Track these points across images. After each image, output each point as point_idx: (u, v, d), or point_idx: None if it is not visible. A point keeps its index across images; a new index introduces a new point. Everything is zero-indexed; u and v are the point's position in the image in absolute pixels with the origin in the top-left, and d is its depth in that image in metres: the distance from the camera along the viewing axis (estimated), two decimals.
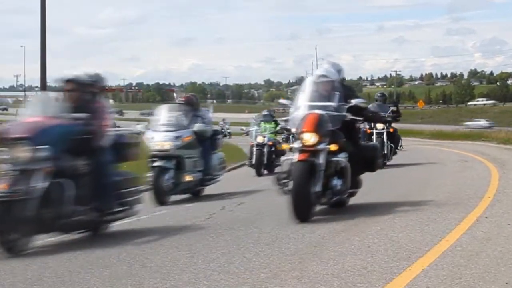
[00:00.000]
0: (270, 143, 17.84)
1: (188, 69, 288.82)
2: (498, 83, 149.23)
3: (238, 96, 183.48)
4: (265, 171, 17.56)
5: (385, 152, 16.22)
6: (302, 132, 7.98)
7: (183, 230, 7.81)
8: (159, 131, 11.60)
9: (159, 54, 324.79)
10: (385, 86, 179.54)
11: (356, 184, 8.84)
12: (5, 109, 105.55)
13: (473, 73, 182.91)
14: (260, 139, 17.88)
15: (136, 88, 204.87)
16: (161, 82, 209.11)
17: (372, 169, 9.13)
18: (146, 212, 9.54)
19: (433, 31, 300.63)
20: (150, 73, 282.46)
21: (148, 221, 8.88)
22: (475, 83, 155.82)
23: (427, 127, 42.19)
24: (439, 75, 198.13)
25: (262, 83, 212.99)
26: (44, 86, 24.93)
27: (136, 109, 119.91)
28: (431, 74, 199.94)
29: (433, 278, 4.97)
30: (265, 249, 6.33)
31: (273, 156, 17.74)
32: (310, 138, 7.90)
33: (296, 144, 8.07)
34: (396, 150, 17.62)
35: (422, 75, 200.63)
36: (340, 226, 7.45)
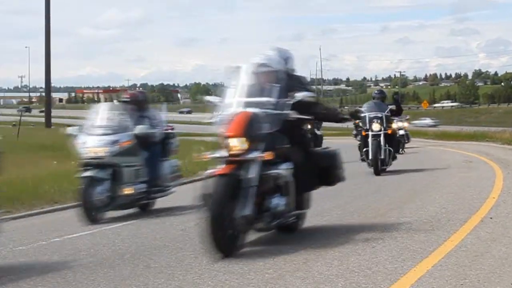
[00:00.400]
0: None
1: (192, 70, 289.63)
2: (502, 84, 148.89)
3: None
4: None
5: (382, 157, 14.51)
6: (227, 136, 6.27)
7: (188, 231, 7.81)
8: (93, 135, 9.69)
9: (163, 55, 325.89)
10: (389, 87, 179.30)
11: (301, 204, 6.99)
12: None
13: (478, 74, 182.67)
14: None
15: (140, 89, 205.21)
16: (165, 83, 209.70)
17: (329, 182, 7.39)
18: (149, 214, 9.56)
19: (437, 32, 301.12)
20: (154, 74, 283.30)
21: (152, 222, 8.89)
22: (480, 84, 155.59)
23: (431, 128, 42.11)
24: (443, 76, 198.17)
25: None
26: (48, 87, 24.96)
27: None
28: (435, 74, 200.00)
29: (438, 279, 4.96)
30: (270, 249, 6.32)
31: None
32: (236, 144, 6.19)
33: (219, 153, 6.34)
34: (396, 154, 15.73)
35: (426, 75, 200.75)
36: (344, 227, 7.44)
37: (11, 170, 14.19)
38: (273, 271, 5.43)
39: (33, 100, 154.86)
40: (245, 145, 6.18)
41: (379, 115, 14.76)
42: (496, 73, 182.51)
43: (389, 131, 14.90)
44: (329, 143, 26.68)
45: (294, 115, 6.71)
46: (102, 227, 8.49)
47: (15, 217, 9.84)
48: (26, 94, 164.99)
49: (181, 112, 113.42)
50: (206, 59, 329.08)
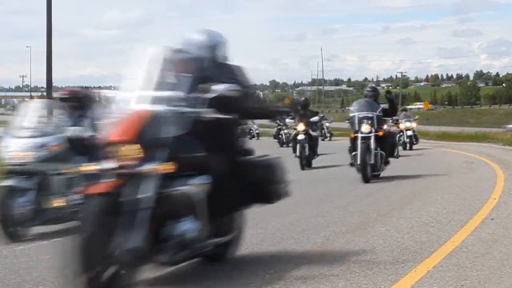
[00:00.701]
0: None
1: None
2: (504, 85, 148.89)
3: None
4: None
5: (372, 162, 12.78)
6: (111, 142, 4.75)
7: None
8: (18, 138, 8.16)
9: None
10: (390, 87, 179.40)
11: (226, 228, 5.64)
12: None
13: (479, 75, 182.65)
14: None
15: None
16: None
17: (264, 199, 5.91)
18: None
19: (439, 32, 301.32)
20: None
21: None
22: (481, 85, 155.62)
23: (432, 128, 42.04)
24: (444, 76, 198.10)
25: (268, 84, 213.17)
26: (50, 87, 24.94)
27: None
28: (436, 75, 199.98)
29: (439, 280, 4.96)
30: (270, 250, 6.32)
31: None
32: (127, 152, 4.66)
33: (101, 165, 4.80)
34: (389, 159, 13.75)
35: (427, 76, 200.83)
36: (345, 228, 7.44)
37: None
38: (273, 271, 5.43)
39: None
40: (138, 153, 4.66)
41: (370, 115, 13.19)
42: (497, 74, 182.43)
43: (380, 133, 13.17)
44: (338, 144, 26.62)
45: (210, 113, 5.15)
46: None
47: None
48: (28, 94, 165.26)
49: None
50: None
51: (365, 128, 13.01)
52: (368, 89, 14.95)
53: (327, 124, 38.87)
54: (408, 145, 25.04)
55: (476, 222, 7.49)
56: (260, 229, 7.63)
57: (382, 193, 10.78)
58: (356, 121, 13.22)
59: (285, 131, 33.39)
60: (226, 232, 5.63)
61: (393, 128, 20.35)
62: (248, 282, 5.13)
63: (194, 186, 4.90)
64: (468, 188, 11.00)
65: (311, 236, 6.94)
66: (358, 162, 12.75)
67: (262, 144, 27.81)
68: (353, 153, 13.09)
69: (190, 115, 5.03)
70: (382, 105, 13.76)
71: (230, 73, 5.63)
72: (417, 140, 26.10)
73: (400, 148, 22.70)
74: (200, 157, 5.06)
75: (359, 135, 13.02)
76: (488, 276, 5.07)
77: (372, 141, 12.88)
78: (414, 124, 25.99)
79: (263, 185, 5.77)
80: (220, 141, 5.33)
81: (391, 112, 14.10)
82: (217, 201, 5.05)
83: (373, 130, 13.00)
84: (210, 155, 5.12)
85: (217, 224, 5.27)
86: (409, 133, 25.34)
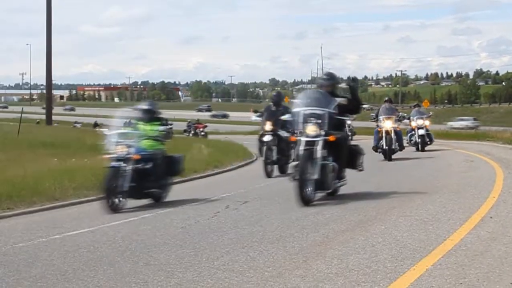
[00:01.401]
0: (135, 157, 10.08)
1: (194, 68, 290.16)
2: (503, 83, 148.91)
3: (243, 95, 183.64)
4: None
5: (316, 177, 9.30)
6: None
7: (188, 229, 7.82)
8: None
9: (164, 53, 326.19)
10: (390, 86, 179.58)
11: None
12: (6, 107, 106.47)
13: (479, 73, 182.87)
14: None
15: (142, 86, 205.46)
16: (166, 81, 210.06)
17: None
18: (149, 211, 9.59)
19: (439, 31, 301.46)
20: (156, 71, 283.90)
21: (153, 219, 8.88)
22: (481, 83, 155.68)
23: (432, 127, 42.05)
24: (444, 75, 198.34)
25: (268, 82, 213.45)
26: (49, 84, 24.94)
27: None
28: (436, 74, 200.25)
29: (437, 278, 4.97)
30: (269, 247, 6.33)
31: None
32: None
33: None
34: (345, 174, 10.19)
35: (427, 74, 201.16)
36: (344, 226, 7.45)
37: (12, 167, 14.20)
38: (272, 269, 5.44)
39: (34, 97, 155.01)
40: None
41: (319, 111, 9.70)
42: (497, 73, 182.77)
43: (331, 138, 9.54)
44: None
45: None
46: (102, 225, 8.49)
47: (16, 214, 9.83)
48: (27, 92, 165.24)
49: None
50: (207, 57, 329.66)
51: (311, 129, 9.57)
52: (324, 76, 11.10)
53: (349, 122, 36.38)
54: (420, 145, 21.97)
55: (475, 221, 7.49)
56: (260, 226, 7.64)
57: (381, 191, 10.78)
58: (301, 120, 9.78)
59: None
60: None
61: (399, 126, 19.91)
62: (247, 279, 5.14)
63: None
64: (468, 187, 11.00)
65: (310, 234, 6.95)
66: (297, 176, 9.34)
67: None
68: (295, 162, 9.71)
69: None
70: (340, 99, 10.03)
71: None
72: (431, 140, 22.59)
73: (413, 148, 21.87)
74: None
75: (302, 139, 9.58)
76: (487, 274, 5.08)
77: (318, 148, 9.43)
78: (427, 122, 22.69)
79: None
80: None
81: (351, 108, 10.40)
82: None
83: (322, 133, 9.56)
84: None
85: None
86: (421, 131, 22.16)
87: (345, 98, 10.21)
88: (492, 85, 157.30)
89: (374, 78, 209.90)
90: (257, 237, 6.91)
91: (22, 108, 35.24)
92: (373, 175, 13.69)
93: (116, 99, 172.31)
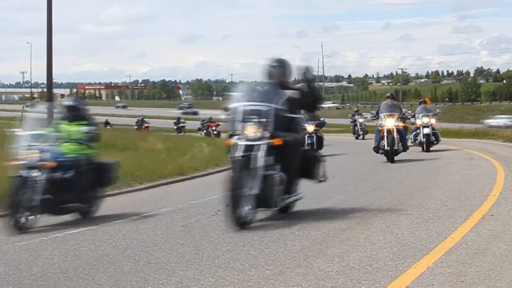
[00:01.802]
0: (49, 164, 8.39)
1: (194, 66, 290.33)
2: (504, 81, 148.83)
3: None
4: None
5: (255, 192, 7.39)
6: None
7: (189, 227, 7.82)
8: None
9: (165, 52, 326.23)
10: (391, 84, 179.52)
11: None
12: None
13: (480, 71, 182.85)
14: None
15: (142, 85, 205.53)
16: (167, 79, 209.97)
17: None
18: (150, 210, 9.58)
19: (440, 29, 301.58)
20: (156, 70, 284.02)
21: (154, 218, 8.89)
22: (482, 81, 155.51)
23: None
24: (445, 73, 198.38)
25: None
26: (50, 83, 24.92)
27: (140, 106, 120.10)
28: (437, 72, 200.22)
29: (438, 276, 4.97)
30: (270, 246, 6.33)
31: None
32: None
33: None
34: (297, 188, 8.31)
35: (428, 73, 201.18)
36: (345, 224, 7.44)
37: None
38: (273, 267, 5.44)
39: (35, 96, 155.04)
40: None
41: (263, 108, 7.79)
42: (498, 71, 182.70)
43: (276, 141, 7.64)
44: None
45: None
46: (103, 223, 8.49)
47: None
48: (28, 90, 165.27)
49: (181, 108, 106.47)
50: (208, 56, 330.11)
51: (251, 130, 7.67)
52: (273, 63, 8.42)
53: (361, 120, 33.36)
54: (424, 145, 20.38)
55: (476, 219, 7.49)
56: (261, 225, 7.64)
57: (383, 189, 10.77)
58: (239, 118, 7.83)
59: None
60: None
61: (401, 124, 17.54)
62: (248, 277, 5.14)
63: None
64: (468, 185, 10.99)
65: (311, 232, 6.94)
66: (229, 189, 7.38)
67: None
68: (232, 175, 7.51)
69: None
70: (290, 92, 7.98)
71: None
72: (437, 139, 20.95)
73: (419, 149, 20.47)
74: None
75: (239, 142, 7.66)
76: (488, 272, 5.07)
77: (260, 154, 7.52)
78: (433, 120, 21.04)
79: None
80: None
81: (307, 102, 8.33)
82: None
83: (266, 135, 7.64)
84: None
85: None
86: (426, 130, 20.48)
87: (297, 90, 8.09)
88: (493, 83, 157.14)
89: (375, 76, 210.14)
90: (258, 235, 6.91)
91: (23, 107, 35.30)
92: (373, 175, 13.70)
93: (117, 98, 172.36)
